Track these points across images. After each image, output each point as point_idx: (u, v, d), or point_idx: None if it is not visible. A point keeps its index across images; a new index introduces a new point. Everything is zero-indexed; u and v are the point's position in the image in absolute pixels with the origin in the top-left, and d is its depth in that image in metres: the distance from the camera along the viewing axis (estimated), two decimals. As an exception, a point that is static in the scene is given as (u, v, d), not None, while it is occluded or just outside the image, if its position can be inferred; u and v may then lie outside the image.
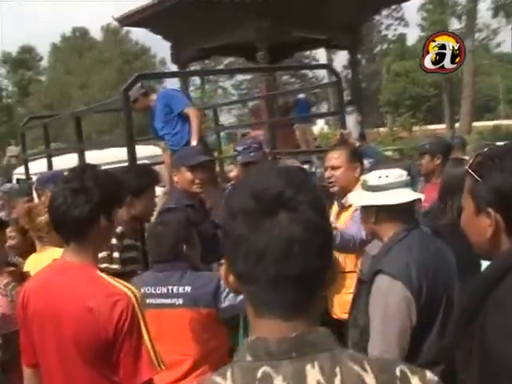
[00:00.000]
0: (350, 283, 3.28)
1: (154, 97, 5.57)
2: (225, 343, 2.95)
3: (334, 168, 3.65)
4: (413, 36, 43.06)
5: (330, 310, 3.59)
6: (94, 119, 31.48)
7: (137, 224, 3.80)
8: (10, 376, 3.17)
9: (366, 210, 2.62)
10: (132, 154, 4.06)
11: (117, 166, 5.43)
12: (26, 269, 3.89)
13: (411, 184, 2.72)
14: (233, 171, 6.17)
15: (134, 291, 2.07)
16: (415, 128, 29.89)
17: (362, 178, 2.73)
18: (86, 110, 6.82)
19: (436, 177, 4.92)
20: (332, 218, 3.65)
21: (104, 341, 1.99)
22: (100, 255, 3.42)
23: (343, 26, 13.90)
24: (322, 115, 15.10)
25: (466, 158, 5.01)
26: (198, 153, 3.93)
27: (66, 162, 6.00)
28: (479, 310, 1.47)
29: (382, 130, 30.14)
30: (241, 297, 2.89)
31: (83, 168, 2.24)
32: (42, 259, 3.88)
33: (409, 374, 1.07)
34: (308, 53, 40.28)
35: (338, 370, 1.04)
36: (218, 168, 6.78)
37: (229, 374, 1.06)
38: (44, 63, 52.82)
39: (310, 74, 48.30)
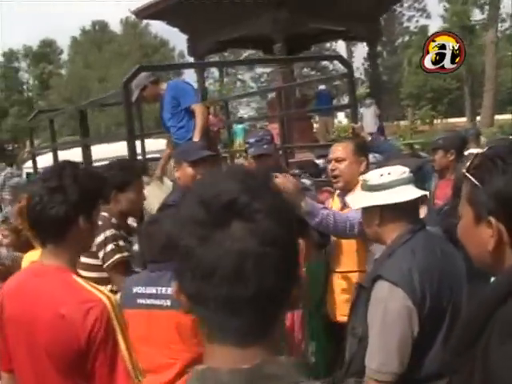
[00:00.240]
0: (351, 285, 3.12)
1: (164, 86, 5.46)
2: None
3: (338, 160, 3.47)
4: (435, 28, 42.38)
5: (330, 313, 3.43)
6: (113, 112, 31.43)
7: (125, 220, 3.67)
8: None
9: (368, 211, 2.44)
10: (132, 148, 3.93)
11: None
12: (24, 265, 3.81)
13: (414, 181, 2.57)
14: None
15: (110, 297, 1.93)
16: (436, 121, 29.53)
17: (362, 178, 2.56)
18: (90, 103, 6.70)
19: (450, 173, 4.77)
20: None
21: (77, 350, 1.85)
22: (109, 248, 3.35)
23: (362, 16, 13.67)
24: (334, 108, 14.85)
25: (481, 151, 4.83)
26: (201, 148, 3.81)
27: (76, 155, 5.95)
28: (482, 332, 1.30)
29: (402, 123, 29.79)
30: None
31: (62, 165, 2.10)
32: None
33: None
34: (328, 45, 39.90)
35: None
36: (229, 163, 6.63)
37: None
38: (64, 57, 53.08)
39: (330, 66, 47.91)
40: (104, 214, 3.40)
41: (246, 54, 41.10)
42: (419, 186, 2.61)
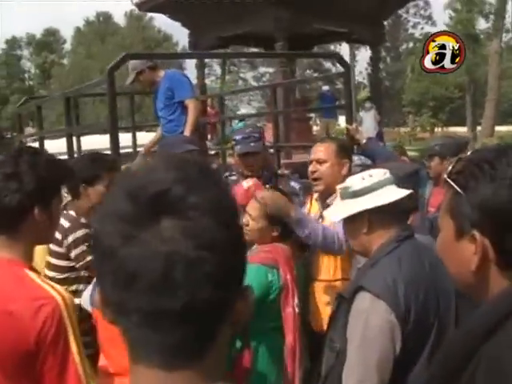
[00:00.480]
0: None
1: (161, 73, 5.30)
2: None
3: (319, 162, 3.27)
4: (440, 36, 42.23)
5: (313, 322, 3.24)
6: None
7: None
8: None
9: (353, 220, 2.25)
10: (115, 140, 3.74)
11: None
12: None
13: (411, 184, 2.42)
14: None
15: (64, 295, 1.76)
16: (437, 129, 29.40)
17: (341, 186, 2.38)
18: (76, 89, 6.52)
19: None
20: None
21: (25, 351, 1.69)
22: (79, 250, 3.16)
23: (366, 19, 13.50)
24: (330, 109, 14.72)
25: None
26: (186, 142, 3.63)
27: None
28: (465, 367, 1.10)
29: (402, 129, 29.70)
30: None
31: (19, 152, 1.92)
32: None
33: None
34: (332, 47, 39.74)
35: None
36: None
37: None
38: (67, 46, 52.90)
39: (333, 69, 47.76)
40: (72, 213, 3.23)
41: (249, 51, 40.97)
42: (414, 191, 2.46)
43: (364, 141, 4.72)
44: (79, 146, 6.38)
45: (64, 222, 3.17)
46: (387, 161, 4.33)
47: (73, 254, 3.15)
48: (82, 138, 6.00)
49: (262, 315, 2.88)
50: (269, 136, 8.45)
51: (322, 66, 45.09)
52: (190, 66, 38.17)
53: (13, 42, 52.76)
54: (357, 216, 2.22)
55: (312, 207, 3.41)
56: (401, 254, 2.11)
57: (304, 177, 5.15)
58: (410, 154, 13.27)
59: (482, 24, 36.07)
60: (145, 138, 7.16)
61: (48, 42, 52.07)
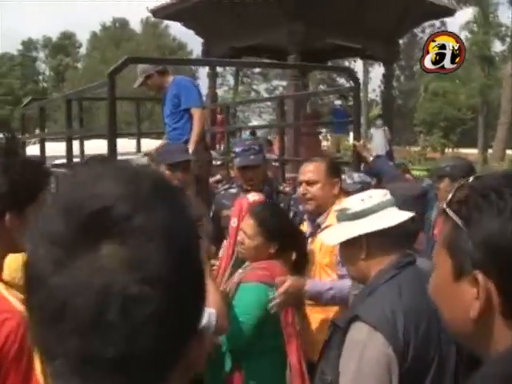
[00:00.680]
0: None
1: (170, 78, 5.17)
2: None
3: (309, 183, 3.13)
4: (454, 57, 42.19)
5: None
6: (124, 110, 31.22)
7: None
8: None
9: (351, 245, 2.10)
10: (112, 146, 3.61)
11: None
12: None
13: (419, 206, 2.26)
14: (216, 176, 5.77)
15: None
16: (447, 150, 29.22)
17: (339, 207, 2.22)
18: (77, 92, 6.41)
19: (455, 203, 4.41)
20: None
21: None
22: None
23: (381, 36, 13.40)
24: (339, 124, 14.59)
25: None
26: (181, 151, 3.49)
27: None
28: None
29: (413, 148, 29.53)
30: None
31: (-6, 153, 1.80)
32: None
33: None
34: (347, 63, 39.69)
35: None
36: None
37: None
38: (82, 50, 53.14)
39: (347, 85, 47.67)
40: None
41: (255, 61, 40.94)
42: (421, 213, 2.31)
43: (371, 158, 4.58)
44: (82, 150, 6.29)
45: None
46: (394, 181, 4.20)
47: None
48: (87, 142, 5.90)
49: (262, 335, 2.75)
50: (281, 149, 8.33)
51: (335, 81, 44.99)
52: (203, 75, 38.23)
53: (29, 44, 53.11)
54: (355, 240, 2.06)
55: (303, 227, 3.29)
56: (401, 282, 1.96)
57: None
58: (419, 173, 13.13)
59: (497, 46, 35.94)
60: (151, 144, 7.06)
61: (64, 45, 52.33)
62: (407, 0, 13.00)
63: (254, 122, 45.68)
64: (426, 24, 34.59)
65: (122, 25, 50.74)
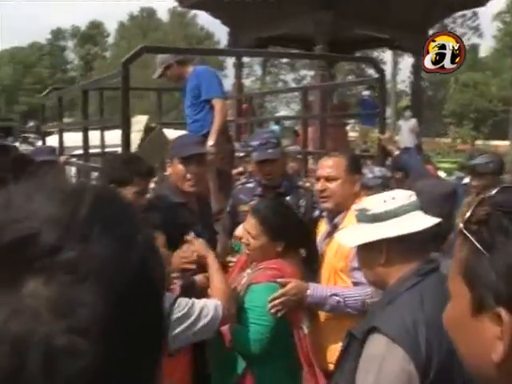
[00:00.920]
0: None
1: (190, 69, 5.02)
2: (179, 378, 2.44)
3: (328, 179, 2.93)
4: (486, 46, 41.56)
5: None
6: (151, 101, 31.21)
7: None
8: None
9: (369, 249, 1.95)
10: (126, 138, 3.49)
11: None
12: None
13: (450, 205, 2.11)
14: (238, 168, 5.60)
15: None
16: (478, 142, 28.73)
17: (359, 207, 2.06)
18: (93, 82, 6.31)
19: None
20: (318, 240, 3.01)
21: None
22: None
23: (410, 26, 13.11)
24: (367, 115, 14.33)
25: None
26: (196, 143, 3.34)
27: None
28: None
29: (443, 140, 29.09)
30: (204, 320, 2.33)
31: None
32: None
33: None
34: (376, 54, 39.17)
35: None
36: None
37: None
38: (110, 40, 53.35)
39: (375, 75, 47.11)
40: None
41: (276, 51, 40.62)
42: (450, 213, 2.15)
43: (397, 152, 4.41)
44: (102, 141, 6.19)
45: None
46: (420, 176, 4.02)
47: None
48: (108, 133, 5.80)
49: (273, 337, 2.64)
50: (308, 139, 8.15)
51: (364, 72, 44.46)
52: (230, 65, 38.10)
53: (58, 33, 53.49)
54: (374, 244, 1.92)
55: (321, 226, 3.12)
56: (423, 290, 1.81)
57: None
58: (448, 166, 12.86)
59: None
60: (174, 135, 6.93)
61: (92, 34, 52.60)
62: (437, -11, 12.72)
63: (282, 113, 45.39)
64: (458, 14, 33.93)
65: (149, 14, 50.78)
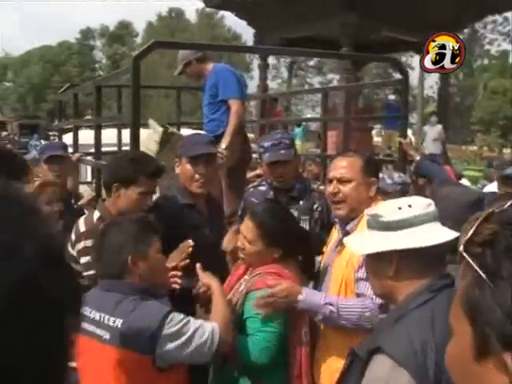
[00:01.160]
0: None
1: (210, 66, 4.89)
2: None
3: (341, 181, 2.66)
4: (516, 54, 40.98)
5: (316, 375, 2.65)
6: (187, 97, 31.18)
7: None
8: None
9: (378, 259, 1.78)
10: (135, 137, 3.36)
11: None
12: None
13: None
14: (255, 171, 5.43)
15: None
16: (505, 150, 28.24)
17: (371, 212, 1.87)
18: (106, 77, 6.23)
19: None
20: (330, 248, 2.81)
21: None
22: (85, 259, 2.83)
23: (438, 29, 12.80)
24: (392, 119, 14.10)
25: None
26: (204, 143, 3.20)
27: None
28: None
29: (469, 148, 28.68)
30: (197, 341, 2.16)
31: None
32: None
33: None
34: (404, 59, 38.78)
35: None
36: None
37: None
38: (138, 40, 53.60)
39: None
40: (95, 215, 2.88)
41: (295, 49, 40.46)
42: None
43: (418, 157, 4.24)
44: (119, 139, 6.10)
45: (81, 225, 2.89)
46: (446, 182, 3.86)
47: (82, 260, 2.82)
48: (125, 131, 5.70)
49: (281, 346, 2.51)
50: (331, 143, 7.99)
51: (391, 76, 44.08)
52: (257, 66, 38.06)
53: (87, 33, 53.93)
54: (383, 254, 1.75)
55: (333, 233, 2.89)
56: (435, 309, 1.64)
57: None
58: (472, 173, 12.58)
59: None
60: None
61: (120, 34, 52.94)
62: (467, -8, 12.49)
63: (307, 116, 45.32)
64: (489, 19, 33.46)
65: (177, 15, 50.98)
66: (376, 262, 1.80)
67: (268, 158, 3.44)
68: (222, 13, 40.82)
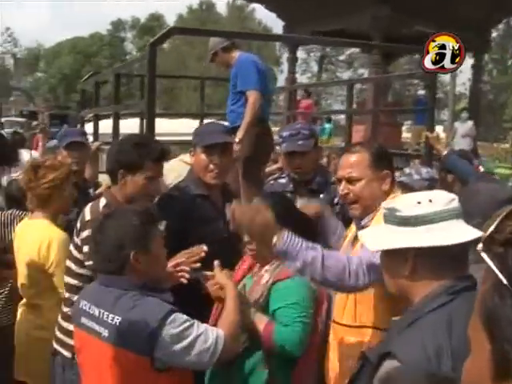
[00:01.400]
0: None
1: (236, 54, 4.78)
2: None
3: (350, 181, 2.45)
4: (553, 51, 40.13)
5: (326, 378, 2.54)
6: (220, 89, 31.14)
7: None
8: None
9: (394, 256, 1.66)
10: (151, 126, 3.27)
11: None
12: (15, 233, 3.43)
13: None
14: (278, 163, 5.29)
15: None
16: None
17: (388, 205, 1.73)
18: (125, 65, 6.16)
19: None
20: (345, 245, 2.63)
21: None
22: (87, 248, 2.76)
23: (471, 24, 12.63)
24: (409, 111, 13.87)
25: None
26: (219, 132, 3.10)
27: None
28: None
29: (501, 146, 28.18)
30: (199, 348, 2.02)
31: None
32: (28, 228, 3.29)
33: None
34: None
35: None
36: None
37: None
38: (169, 32, 53.82)
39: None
40: (101, 203, 2.79)
41: (349, 52, 40.25)
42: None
43: (445, 153, 4.09)
44: (142, 129, 6.02)
45: (87, 214, 2.80)
46: (481, 178, 3.72)
47: (84, 249, 2.74)
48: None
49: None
50: (358, 138, 7.87)
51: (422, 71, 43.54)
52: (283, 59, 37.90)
53: (118, 25, 54.25)
54: (399, 251, 1.63)
55: (350, 229, 2.71)
56: (453, 312, 1.51)
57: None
58: (503, 171, 12.30)
59: None
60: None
61: (151, 26, 53.07)
62: (502, -14, 12.22)
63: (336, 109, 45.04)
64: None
65: (208, 7, 50.96)
66: (390, 259, 1.68)
67: (285, 147, 3.34)
68: (252, 6, 40.72)
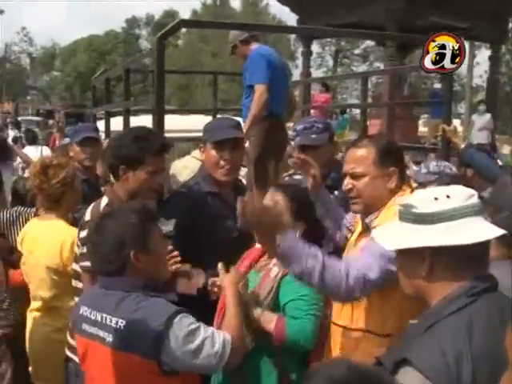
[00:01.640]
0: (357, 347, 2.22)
1: (254, 46, 4.66)
2: None
3: (354, 177, 2.35)
4: None
5: None
6: (220, 88, 31.16)
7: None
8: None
9: (410, 255, 1.58)
10: (159, 122, 3.20)
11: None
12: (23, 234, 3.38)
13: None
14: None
15: None
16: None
17: (403, 202, 1.64)
18: (134, 59, 6.09)
19: None
20: (349, 242, 2.54)
21: None
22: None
23: (488, 14, 12.45)
24: (424, 104, 13.70)
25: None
26: (229, 127, 3.02)
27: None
28: None
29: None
30: (207, 351, 1.94)
31: None
32: (43, 229, 3.25)
33: None
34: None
35: None
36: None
37: None
38: (183, 28, 53.88)
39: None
40: (103, 202, 2.73)
41: (364, 45, 40.00)
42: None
43: (462, 146, 3.98)
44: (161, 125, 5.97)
45: (88, 214, 2.74)
46: (501, 174, 3.59)
47: (81, 249, 2.69)
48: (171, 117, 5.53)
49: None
50: (375, 132, 7.75)
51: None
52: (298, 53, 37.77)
53: (132, 22, 54.39)
54: (416, 251, 1.54)
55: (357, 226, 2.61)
56: (473, 315, 1.43)
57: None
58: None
59: None
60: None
61: (166, 23, 53.06)
62: (520, -25, 12.02)
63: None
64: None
65: (222, 3, 50.80)
66: (406, 259, 1.60)
67: (298, 141, 3.28)
68: (266, 1, 40.54)
